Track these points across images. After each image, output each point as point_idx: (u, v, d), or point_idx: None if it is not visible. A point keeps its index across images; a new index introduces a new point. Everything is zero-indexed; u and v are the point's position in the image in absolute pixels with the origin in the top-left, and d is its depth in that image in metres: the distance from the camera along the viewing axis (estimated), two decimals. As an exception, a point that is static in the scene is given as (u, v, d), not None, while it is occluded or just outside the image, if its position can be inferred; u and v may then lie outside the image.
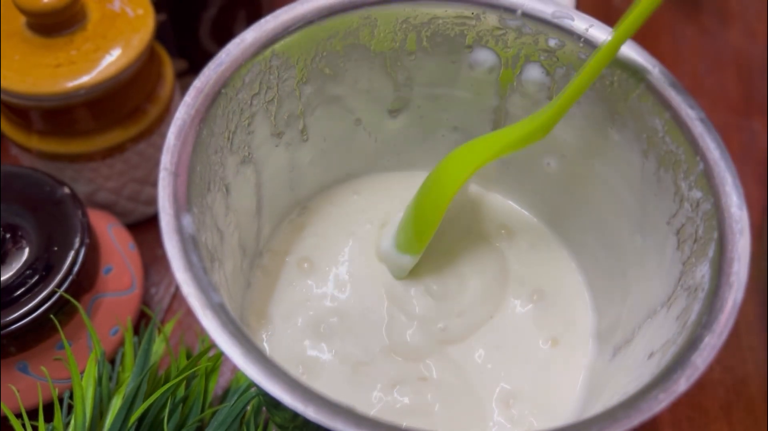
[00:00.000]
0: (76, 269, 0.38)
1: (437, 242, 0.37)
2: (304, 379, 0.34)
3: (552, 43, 0.33)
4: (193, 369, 0.36)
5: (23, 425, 0.36)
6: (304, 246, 0.38)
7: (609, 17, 0.30)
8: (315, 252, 0.38)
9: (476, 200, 0.41)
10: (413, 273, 0.37)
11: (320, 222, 0.39)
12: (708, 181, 0.29)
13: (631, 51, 0.32)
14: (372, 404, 0.34)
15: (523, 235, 0.39)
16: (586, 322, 0.37)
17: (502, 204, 0.41)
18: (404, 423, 0.25)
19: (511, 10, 0.33)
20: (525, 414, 0.34)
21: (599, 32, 0.32)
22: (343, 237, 0.38)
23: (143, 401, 0.35)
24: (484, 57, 0.35)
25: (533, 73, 0.35)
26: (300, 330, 0.35)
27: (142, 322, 0.43)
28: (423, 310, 0.36)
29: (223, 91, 0.30)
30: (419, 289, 0.36)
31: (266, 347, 0.35)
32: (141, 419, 0.35)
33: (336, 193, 0.40)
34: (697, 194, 0.29)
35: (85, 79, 0.40)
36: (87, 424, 0.35)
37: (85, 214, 0.39)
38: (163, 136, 0.31)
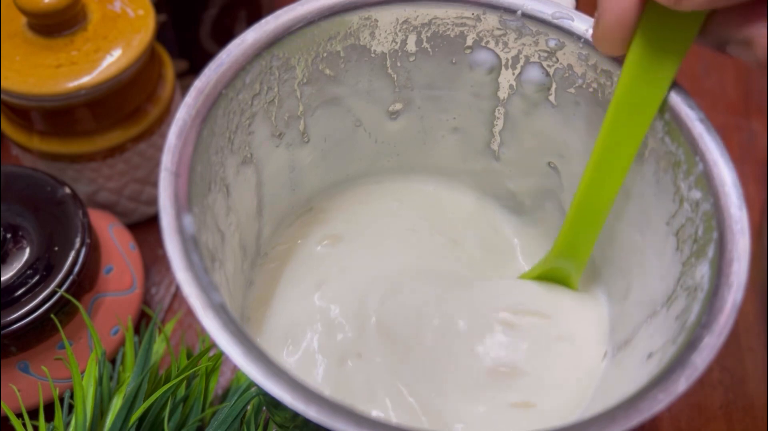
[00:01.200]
0: (76, 269, 0.38)
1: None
2: (291, 348, 0.34)
3: (552, 43, 0.33)
4: (193, 369, 0.36)
5: (24, 424, 0.36)
6: (328, 228, 0.38)
7: (609, 18, 0.30)
8: (347, 230, 0.38)
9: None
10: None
11: (347, 213, 0.39)
12: (707, 181, 0.29)
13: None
14: (316, 374, 0.33)
15: (581, 340, 0.35)
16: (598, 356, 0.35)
17: (598, 308, 0.36)
18: (375, 413, 0.24)
19: (511, 11, 0.33)
20: None
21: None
22: (390, 221, 0.38)
23: (144, 401, 0.35)
24: (484, 58, 0.35)
25: (533, 74, 0.35)
26: (302, 292, 0.35)
27: (142, 322, 0.43)
28: (387, 308, 0.35)
29: (223, 91, 0.30)
30: (421, 297, 0.36)
31: (266, 327, 0.35)
32: (141, 419, 0.35)
33: (357, 194, 0.40)
34: (696, 194, 0.29)
35: (85, 80, 0.40)
36: (87, 424, 0.35)
37: (85, 214, 0.39)
38: (164, 137, 0.31)
